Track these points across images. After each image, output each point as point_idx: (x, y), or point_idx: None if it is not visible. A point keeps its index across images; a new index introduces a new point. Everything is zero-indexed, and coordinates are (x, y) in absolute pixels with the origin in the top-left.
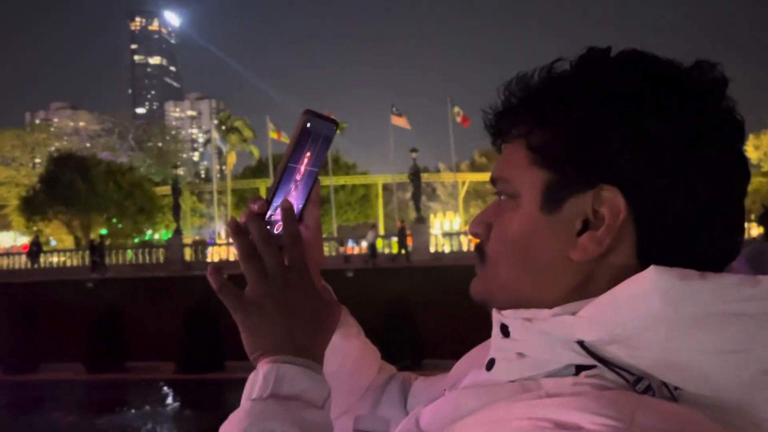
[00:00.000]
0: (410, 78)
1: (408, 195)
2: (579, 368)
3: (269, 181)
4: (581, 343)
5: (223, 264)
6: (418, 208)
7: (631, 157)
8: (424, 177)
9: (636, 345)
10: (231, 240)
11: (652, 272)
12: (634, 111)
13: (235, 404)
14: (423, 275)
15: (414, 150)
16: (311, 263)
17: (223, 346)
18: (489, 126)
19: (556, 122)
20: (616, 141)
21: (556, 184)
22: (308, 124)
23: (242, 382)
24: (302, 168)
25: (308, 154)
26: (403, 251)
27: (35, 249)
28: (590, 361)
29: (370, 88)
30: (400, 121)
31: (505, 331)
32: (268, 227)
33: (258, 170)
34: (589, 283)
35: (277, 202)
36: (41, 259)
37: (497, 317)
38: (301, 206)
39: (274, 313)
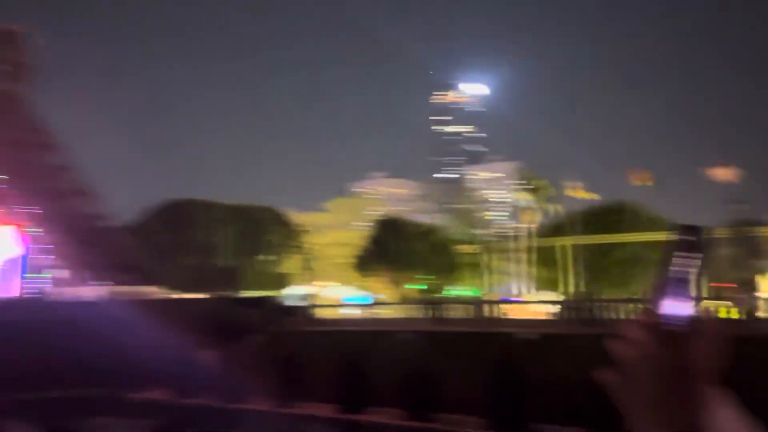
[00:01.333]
0: (731, 126)
1: (726, 252)
2: None
3: (569, 240)
4: None
5: (518, 322)
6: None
7: None
8: (751, 231)
9: None
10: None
11: None
12: None
13: None
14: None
15: (738, 202)
16: (697, 363)
17: (527, 407)
18: None
19: None
20: None
21: None
22: (682, 236)
23: None
24: (682, 273)
25: (684, 261)
26: None
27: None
28: None
29: (685, 139)
30: (724, 173)
31: None
32: (657, 333)
33: (558, 229)
34: None
35: (663, 309)
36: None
37: None
38: (687, 310)
39: (662, 409)
